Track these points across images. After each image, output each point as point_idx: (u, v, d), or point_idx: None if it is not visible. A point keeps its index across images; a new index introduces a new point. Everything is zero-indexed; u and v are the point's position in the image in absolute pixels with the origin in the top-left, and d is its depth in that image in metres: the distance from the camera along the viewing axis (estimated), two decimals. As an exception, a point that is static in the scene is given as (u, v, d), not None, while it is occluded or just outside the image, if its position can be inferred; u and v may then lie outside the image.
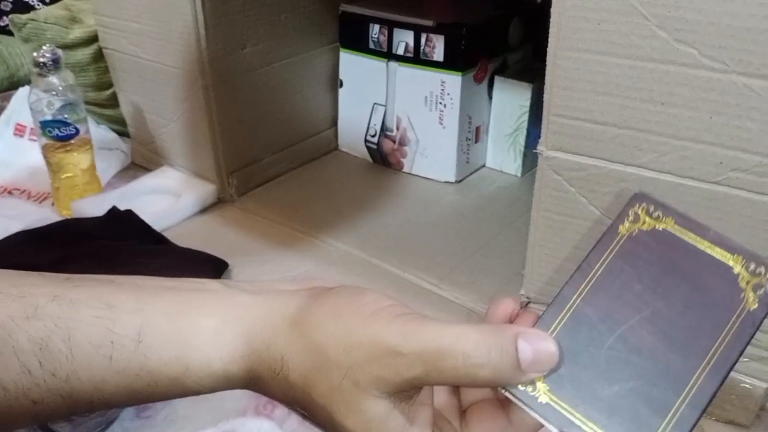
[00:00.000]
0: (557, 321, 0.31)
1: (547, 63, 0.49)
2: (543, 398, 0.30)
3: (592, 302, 0.32)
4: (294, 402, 0.31)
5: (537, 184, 0.53)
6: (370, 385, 0.28)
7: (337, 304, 0.31)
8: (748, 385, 0.50)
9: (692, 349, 0.30)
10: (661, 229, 0.33)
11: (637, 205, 0.34)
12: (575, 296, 0.32)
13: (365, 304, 0.30)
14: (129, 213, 0.68)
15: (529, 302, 0.59)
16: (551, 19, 0.47)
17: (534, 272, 0.57)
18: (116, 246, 0.63)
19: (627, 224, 0.34)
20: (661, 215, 0.34)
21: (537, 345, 0.29)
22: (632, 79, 0.45)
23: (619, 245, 0.33)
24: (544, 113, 0.51)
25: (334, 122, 0.93)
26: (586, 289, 0.32)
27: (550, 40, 0.48)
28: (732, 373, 0.50)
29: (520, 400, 0.30)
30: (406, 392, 0.29)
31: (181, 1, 0.70)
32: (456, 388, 0.34)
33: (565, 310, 0.32)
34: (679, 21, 0.42)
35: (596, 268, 0.33)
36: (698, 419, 0.29)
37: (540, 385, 0.30)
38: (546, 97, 0.50)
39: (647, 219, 0.34)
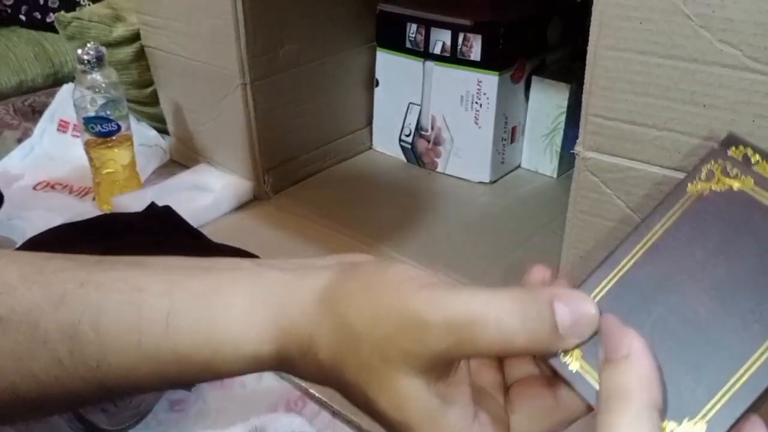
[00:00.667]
0: (602, 284, 0.29)
1: (587, 62, 0.48)
2: (574, 365, 0.27)
3: (644, 267, 0.29)
4: (327, 382, 0.30)
5: (573, 185, 0.53)
6: (401, 361, 0.27)
7: (364, 276, 0.29)
8: None
9: (754, 328, 0.26)
10: (736, 189, 0.29)
11: (713, 162, 0.30)
12: (626, 259, 0.29)
13: (393, 275, 0.29)
14: (167, 209, 0.69)
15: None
16: (592, 17, 0.46)
17: (567, 274, 0.57)
18: (154, 240, 0.65)
19: (698, 183, 0.30)
20: (739, 173, 0.30)
21: (576, 307, 0.26)
22: (673, 80, 0.44)
23: (685, 206, 0.30)
24: (582, 113, 0.50)
25: (369, 121, 0.94)
26: (640, 252, 0.29)
27: (590, 38, 0.47)
28: None
29: (551, 365, 0.27)
30: (441, 369, 0.27)
31: (221, 0, 0.71)
32: (500, 365, 0.31)
33: (612, 273, 0.29)
34: (723, 21, 0.41)
35: (655, 229, 0.30)
36: (752, 405, 0.25)
37: (575, 351, 0.27)
38: (585, 96, 0.49)
39: (722, 178, 0.30)
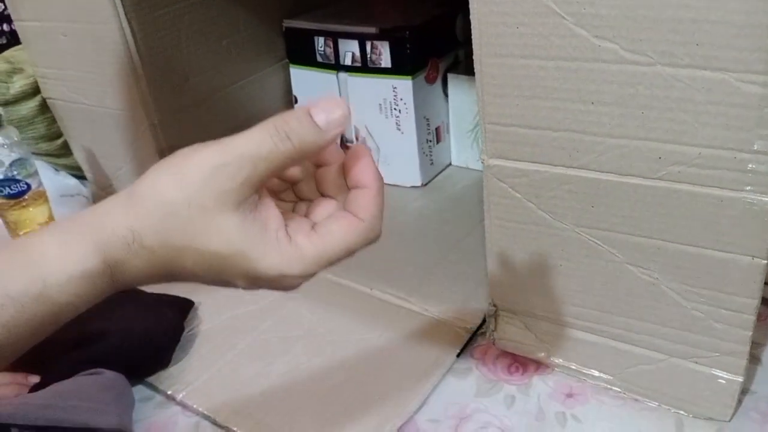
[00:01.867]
0: None
1: (475, 70, 0.47)
2: None
3: None
4: (162, 271, 0.33)
5: (485, 192, 0.52)
6: (216, 202, 0.32)
7: (161, 164, 0.33)
8: (722, 380, 0.48)
9: None
10: None
11: None
12: None
13: (184, 155, 0.33)
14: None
15: (497, 310, 0.58)
16: (472, 26, 0.45)
17: (496, 280, 0.56)
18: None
19: None
20: None
21: (327, 107, 0.33)
22: (558, 81, 0.43)
23: None
24: (481, 121, 0.49)
25: (295, 139, 0.92)
26: None
27: (474, 47, 0.46)
28: (705, 368, 0.48)
29: None
30: (250, 201, 0.32)
31: (113, 44, 0.69)
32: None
33: None
34: (595, 17, 0.40)
35: None
36: None
37: None
38: (479, 105, 0.48)
39: None
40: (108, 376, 0.56)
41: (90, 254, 0.32)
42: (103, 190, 0.86)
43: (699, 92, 0.39)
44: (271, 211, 0.34)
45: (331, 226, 0.35)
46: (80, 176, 0.89)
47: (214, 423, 0.54)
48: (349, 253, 0.35)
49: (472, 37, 0.45)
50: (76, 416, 0.50)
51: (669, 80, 0.40)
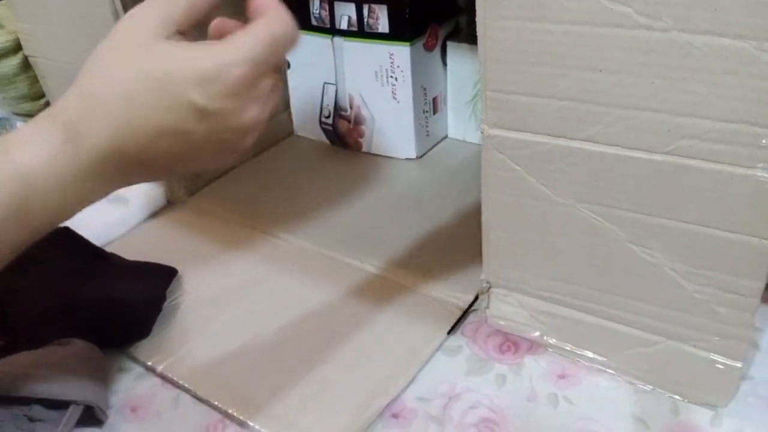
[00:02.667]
0: None
1: (477, 35, 0.45)
2: None
3: None
4: (122, 120, 0.36)
5: (483, 164, 0.50)
6: (162, 33, 0.36)
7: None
8: (721, 365, 0.47)
9: None
10: None
11: None
12: None
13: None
14: (65, 231, 0.64)
15: (490, 287, 0.56)
16: (477, -14, 0.43)
17: (491, 256, 0.54)
18: (53, 269, 0.60)
19: None
20: None
21: None
22: (566, 46, 0.41)
23: None
24: (482, 89, 0.47)
25: (287, 106, 0.89)
26: None
27: (477, 8, 0.44)
28: (704, 353, 0.47)
29: None
30: (184, 25, 0.37)
31: (101, 2, 0.66)
32: None
33: None
34: (609, -22, 0.38)
35: None
36: None
37: None
38: (481, 71, 0.46)
39: None
40: (80, 346, 0.53)
41: (59, 125, 0.36)
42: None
43: (715, 61, 0.37)
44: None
45: (252, 25, 0.38)
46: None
47: (195, 396, 0.52)
48: (277, 39, 0.37)
49: (476, -3, 0.43)
50: (49, 388, 0.48)
51: (684, 47, 0.37)
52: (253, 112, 0.37)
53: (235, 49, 0.36)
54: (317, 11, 0.78)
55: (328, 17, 0.78)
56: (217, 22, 0.41)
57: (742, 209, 0.40)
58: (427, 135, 0.83)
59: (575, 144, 0.44)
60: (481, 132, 0.48)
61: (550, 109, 0.44)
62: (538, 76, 0.43)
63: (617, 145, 0.43)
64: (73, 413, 0.49)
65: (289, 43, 0.38)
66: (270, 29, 0.37)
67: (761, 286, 0.43)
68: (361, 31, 0.76)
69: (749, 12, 0.35)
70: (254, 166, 0.84)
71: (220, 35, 0.38)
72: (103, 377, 0.53)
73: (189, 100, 0.35)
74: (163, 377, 0.54)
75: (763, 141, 0.38)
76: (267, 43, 0.37)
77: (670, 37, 0.38)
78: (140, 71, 0.36)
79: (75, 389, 0.50)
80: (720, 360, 0.47)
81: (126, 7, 0.66)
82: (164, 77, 0.35)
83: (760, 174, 0.39)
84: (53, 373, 0.50)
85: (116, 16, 0.66)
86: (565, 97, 0.43)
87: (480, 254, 0.55)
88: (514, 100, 0.45)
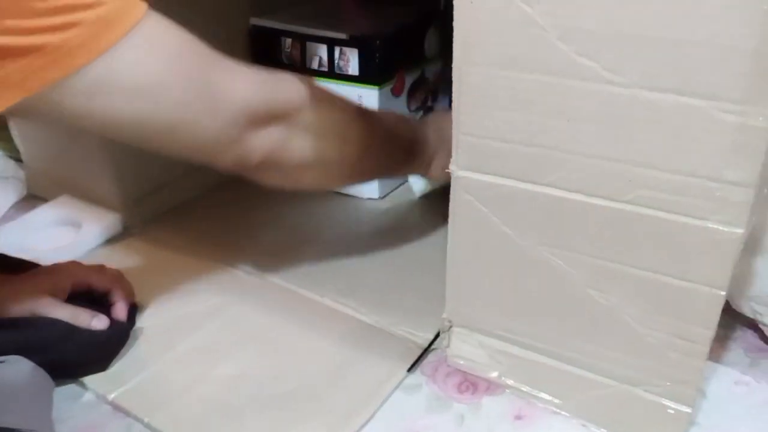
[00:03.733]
0: None
1: (453, 79, 0.46)
2: None
3: None
4: None
5: (451, 204, 0.51)
6: None
7: None
8: (671, 410, 0.49)
9: None
10: None
11: None
12: None
13: None
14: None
15: (451, 325, 0.56)
16: (454, 32, 0.45)
17: (454, 294, 0.55)
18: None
19: None
20: None
21: None
22: (537, 94, 0.43)
23: None
24: (454, 131, 0.48)
25: (252, 140, 0.89)
26: None
27: (454, 54, 0.45)
28: (655, 397, 0.48)
29: None
30: None
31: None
32: None
33: None
34: (578, 32, 0.40)
35: None
36: None
37: None
38: (454, 114, 0.47)
39: None
40: (22, 367, 0.51)
41: None
42: (39, 175, 0.81)
43: (675, 117, 0.39)
44: None
45: None
46: (16, 158, 0.84)
47: (148, 427, 0.51)
48: None
49: (454, 43, 0.45)
50: None
51: (646, 103, 0.40)
52: None
53: None
54: (288, 49, 0.80)
55: (299, 56, 0.79)
56: None
57: (696, 259, 0.43)
58: (390, 176, 0.84)
59: (539, 189, 0.46)
60: (451, 173, 0.49)
61: (518, 154, 0.46)
62: (508, 121, 0.45)
63: (579, 192, 0.45)
64: (17, 442, 0.47)
65: None
66: None
67: (711, 333, 0.45)
68: (331, 72, 0.78)
69: (708, 71, 0.37)
70: (213, 198, 0.84)
71: None
72: (48, 404, 0.51)
73: None
74: (115, 406, 0.53)
75: (718, 194, 0.40)
76: None
77: (632, 93, 0.40)
78: None
79: (17, 417, 0.47)
80: (670, 405, 0.49)
81: None
82: None
83: (712, 225, 0.41)
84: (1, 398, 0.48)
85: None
86: (533, 143, 0.45)
87: (439, 294, 0.56)
88: (484, 144, 0.47)
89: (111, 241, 0.74)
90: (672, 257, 0.43)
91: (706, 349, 0.46)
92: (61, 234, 0.73)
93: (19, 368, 0.50)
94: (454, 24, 0.44)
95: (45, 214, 0.76)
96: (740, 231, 0.40)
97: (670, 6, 0.37)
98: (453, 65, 0.46)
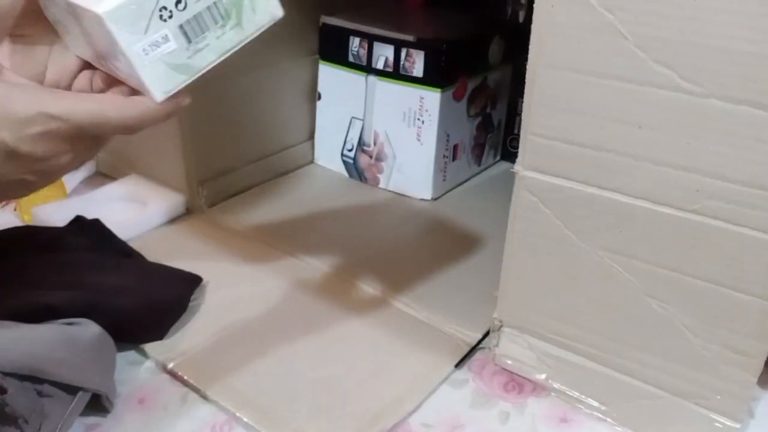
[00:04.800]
0: None
1: (526, 80, 0.48)
2: None
3: None
4: None
5: (512, 204, 0.52)
6: None
7: None
8: (719, 425, 0.49)
9: None
10: None
11: None
12: None
13: None
14: (96, 222, 0.65)
15: (501, 325, 0.57)
16: (531, 35, 0.46)
17: (508, 295, 0.56)
18: (80, 258, 0.61)
19: None
20: None
21: None
22: (610, 100, 0.44)
23: None
24: (522, 132, 0.49)
25: (312, 135, 0.92)
26: None
27: (530, 56, 0.47)
28: (704, 411, 0.48)
29: None
30: None
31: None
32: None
33: None
34: (657, 41, 0.41)
35: None
36: None
37: None
38: (524, 115, 0.49)
39: None
40: (92, 330, 0.53)
41: None
42: (109, 154, 0.85)
43: (748, 129, 0.40)
44: None
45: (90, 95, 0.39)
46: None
47: (203, 396, 0.53)
48: (105, 120, 0.36)
49: (530, 44, 0.46)
50: (61, 371, 0.48)
51: (720, 113, 0.40)
52: (63, 160, 0.38)
53: (57, 106, 0.36)
54: (356, 49, 0.82)
55: (365, 55, 0.81)
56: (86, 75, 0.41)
57: (759, 272, 0.43)
58: (444, 179, 0.85)
59: (606, 193, 0.47)
60: (516, 173, 0.50)
61: (586, 158, 0.47)
62: (579, 125, 0.46)
63: (645, 199, 0.45)
64: (81, 399, 0.49)
65: (117, 131, 0.38)
66: (105, 108, 0.37)
67: (766, 348, 0.45)
68: (396, 73, 0.80)
69: (784, 88, 0.38)
70: (272, 188, 0.86)
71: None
72: (112, 367, 0.54)
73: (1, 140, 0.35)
74: (173, 374, 0.55)
75: (785, 208, 0.40)
76: (92, 118, 0.36)
77: (708, 103, 0.41)
78: None
79: (85, 376, 0.50)
80: (719, 419, 0.49)
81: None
82: None
83: (778, 240, 0.41)
84: (66, 357, 0.50)
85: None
86: (602, 147, 0.46)
87: (488, 295, 0.57)
88: (552, 146, 0.48)
89: (174, 220, 0.77)
90: (734, 269, 0.44)
91: (760, 363, 0.46)
92: (127, 209, 0.76)
93: (90, 330, 0.53)
94: (532, 26, 0.45)
95: (112, 190, 0.79)
96: (807, 247, 0.41)
97: (751, 20, 0.38)
98: (527, 66, 0.47)
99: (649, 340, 0.50)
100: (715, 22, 0.39)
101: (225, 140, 0.80)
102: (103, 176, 0.86)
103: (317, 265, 0.70)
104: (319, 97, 0.88)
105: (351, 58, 0.83)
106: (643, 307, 0.49)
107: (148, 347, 0.57)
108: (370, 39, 0.81)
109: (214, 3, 0.38)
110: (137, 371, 0.55)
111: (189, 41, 0.38)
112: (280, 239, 0.74)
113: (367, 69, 0.82)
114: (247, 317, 0.61)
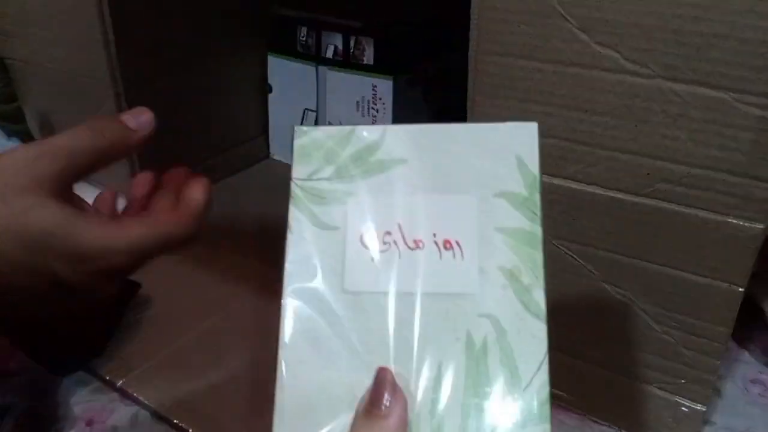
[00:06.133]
0: None
1: (468, 68, 0.46)
2: None
3: None
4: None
5: (464, 196, 0.50)
6: (34, 183, 0.32)
7: None
8: (685, 409, 0.48)
9: None
10: None
11: None
12: None
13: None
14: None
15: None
16: (471, 21, 0.44)
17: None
18: None
19: None
20: None
21: (135, 112, 0.38)
22: (555, 85, 0.42)
23: None
24: (468, 121, 0.48)
25: (265, 129, 0.89)
26: None
27: (470, 43, 0.45)
28: (669, 395, 0.48)
29: None
30: (65, 192, 0.34)
31: (85, 4, 0.65)
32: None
33: None
34: (600, 22, 0.39)
35: None
36: None
37: None
38: (468, 104, 0.47)
39: None
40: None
41: None
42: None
43: (697, 109, 0.38)
44: (85, 205, 0.37)
45: (159, 213, 0.38)
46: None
47: (155, 414, 0.51)
48: (171, 240, 0.36)
49: (470, 33, 0.44)
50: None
51: (667, 94, 0.39)
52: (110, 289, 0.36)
53: (126, 238, 0.34)
54: (304, 38, 0.79)
55: (314, 45, 0.79)
56: (141, 179, 0.41)
57: (714, 254, 0.42)
58: (403, 168, 0.83)
59: (556, 181, 0.45)
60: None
61: (535, 146, 0.45)
62: (526, 112, 0.44)
63: (596, 185, 0.44)
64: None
65: (182, 243, 0.37)
66: (169, 230, 0.36)
67: (728, 331, 0.44)
68: (346, 61, 0.77)
69: (733, 63, 0.36)
70: (227, 185, 0.84)
71: (142, 195, 0.40)
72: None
73: (58, 262, 0.33)
74: (122, 392, 0.53)
75: (739, 189, 0.39)
76: (159, 243, 0.35)
77: (654, 84, 0.39)
78: (20, 228, 0.32)
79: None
80: (685, 403, 0.48)
81: (112, 7, 0.65)
82: (42, 241, 0.32)
83: (732, 221, 0.40)
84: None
85: (101, 19, 0.65)
86: (550, 135, 0.44)
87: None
88: (499, 135, 0.46)
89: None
90: (689, 252, 0.43)
91: (723, 347, 0.45)
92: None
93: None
94: (471, 12, 0.43)
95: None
96: (762, 227, 0.39)
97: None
98: (468, 54, 0.45)
99: (611, 327, 0.48)
100: (660, 2, 0.37)
101: (173, 140, 0.77)
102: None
103: (268, 270, 0.68)
104: (270, 90, 0.86)
105: (300, 48, 0.80)
106: (602, 295, 0.47)
107: (96, 365, 0.55)
108: (318, 27, 0.78)
109: None
110: (85, 391, 0.53)
111: None
112: (235, 240, 0.72)
113: (317, 59, 0.79)
114: (199, 325, 0.59)
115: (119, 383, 0.53)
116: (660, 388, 0.49)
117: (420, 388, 0.29)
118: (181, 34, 0.73)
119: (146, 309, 0.61)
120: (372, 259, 0.31)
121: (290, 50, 0.81)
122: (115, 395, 0.53)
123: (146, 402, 0.51)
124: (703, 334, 0.45)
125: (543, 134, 0.44)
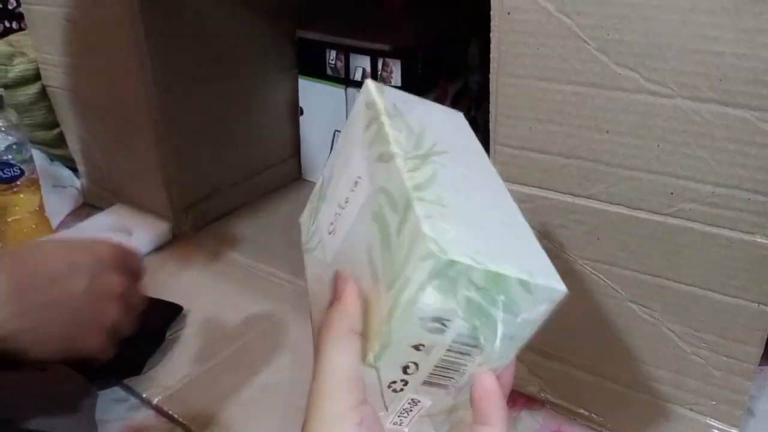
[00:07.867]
0: None
1: (490, 90, 0.46)
2: None
3: None
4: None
5: (488, 216, 0.50)
6: None
7: None
8: (716, 431, 0.47)
9: None
10: None
11: None
12: None
13: None
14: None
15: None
16: (491, 44, 0.45)
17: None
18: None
19: None
20: None
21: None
22: (575, 106, 0.43)
23: None
24: (491, 142, 0.48)
25: (297, 151, 0.91)
26: None
27: (491, 66, 0.45)
28: (700, 417, 0.47)
29: None
30: None
31: (122, 35, 0.68)
32: None
33: None
34: (619, 43, 0.39)
35: None
36: None
37: None
38: (491, 125, 0.47)
39: None
40: (66, 373, 0.52)
41: None
42: (94, 184, 0.85)
43: (718, 128, 0.38)
44: None
45: None
46: (74, 168, 0.87)
47: (189, 431, 0.52)
48: None
49: (491, 55, 0.45)
50: (36, 418, 0.47)
51: (688, 114, 0.39)
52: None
53: None
54: (333, 61, 0.81)
55: (343, 68, 0.80)
56: None
57: (741, 274, 0.41)
58: (433, 187, 0.84)
59: (579, 201, 0.45)
60: (488, 184, 0.49)
61: (557, 166, 0.45)
62: (547, 133, 0.44)
63: (620, 204, 0.44)
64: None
65: None
66: None
67: (759, 351, 0.43)
68: (375, 83, 0.78)
69: (753, 82, 0.36)
70: (260, 206, 0.85)
71: None
72: (91, 411, 0.53)
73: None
74: (158, 410, 0.54)
75: (765, 208, 0.39)
76: None
77: (674, 104, 0.39)
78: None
79: (59, 422, 0.49)
80: (715, 425, 0.47)
81: (148, 37, 0.67)
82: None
83: (759, 240, 0.40)
84: (40, 403, 0.49)
85: (139, 48, 0.68)
86: (572, 155, 0.44)
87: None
88: (521, 156, 0.46)
89: (161, 248, 0.76)
90: (716, 272, 0.42)
91: (754, 367, 0.44)
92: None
93: (62, 374, 0.52)
94: (491, 35, 0.44)
95: (99, 221, 0.79)
96: (789, 246, 0.39)
97: (715, 18, 0.36)
98: (490, 76, 0.45)
99: (638, 348, 0.48)
100: (678, 22, 0.37)
101: (207, 163, 0.79)
102: (90, 207, 0.86)
103: (304, 287, 0.69)
104: (302, 113, 0.87)
105: (329, 71, 0.82)
106: (629, 315, 0.47)
107: (133, 382, 0.56)
108: (346, 51, 0.79)
109: (452, 341, 0.29)
110: (122, 408, 0.55)
111: (444, 387, 0.31)
112: (266, 260, 0.73)
113: (346, 81, 0.81)
114: (232, 344, 0.61)
115: (155, 401, 0.54)
116: (690, 410, 0.48)
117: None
118: (214, 60, 0.75)
119: (182, 327, 0.63)
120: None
121: (320, 73, 0.83)
122: (151, 413, 0.54)
123: (181, 420, 0.53)
124: (732, 354, 0.44)
125: (564, 154, 0.44)
